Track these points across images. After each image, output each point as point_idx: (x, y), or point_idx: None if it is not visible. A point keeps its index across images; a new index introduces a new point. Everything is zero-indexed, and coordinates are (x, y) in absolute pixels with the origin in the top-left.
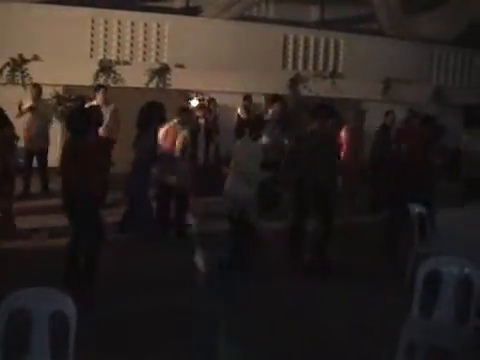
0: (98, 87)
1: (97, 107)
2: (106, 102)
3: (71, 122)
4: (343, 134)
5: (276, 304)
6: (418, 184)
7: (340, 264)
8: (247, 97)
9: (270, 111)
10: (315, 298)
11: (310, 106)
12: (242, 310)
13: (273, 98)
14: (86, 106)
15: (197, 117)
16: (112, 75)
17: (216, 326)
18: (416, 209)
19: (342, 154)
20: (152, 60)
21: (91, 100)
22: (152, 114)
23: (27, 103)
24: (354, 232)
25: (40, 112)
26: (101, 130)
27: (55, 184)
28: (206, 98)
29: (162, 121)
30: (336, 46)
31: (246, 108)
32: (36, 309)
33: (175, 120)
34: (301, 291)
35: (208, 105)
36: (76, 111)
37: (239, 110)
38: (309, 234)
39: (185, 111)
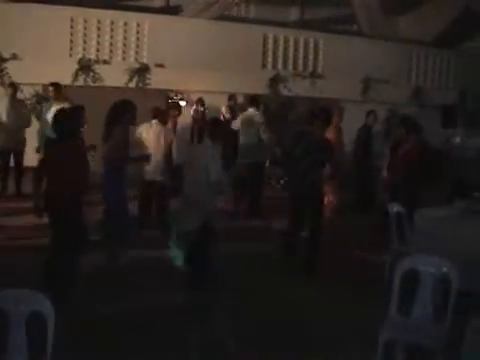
0: (51, 84)
1: (80, 108)
2: (61, 99)
3: (57, 123)
4: (329, 134)
5: (256, 304)
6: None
7: (321, 262)
8: (231, 97)
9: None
10: (296, 297)
11: (288, 106)
12: (224, 307)
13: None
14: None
15: (173, 116)
16: (91, 74)
17: (200, 325)
18: (394, 208)
19: None
20: (132, 59)
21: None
22: (123, 112)
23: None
24: (335, 230)
25: (17, 112)
26: None
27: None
28: (179, 97)
29: (133, 120)
30: (316, 46)
31: (231, 108)
32: (14, 310)
33: (153, 121)
34: (282, 288)
35: (197, 105)
36: (61, 112)
37: (223, 110)
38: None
39: (161, 111)
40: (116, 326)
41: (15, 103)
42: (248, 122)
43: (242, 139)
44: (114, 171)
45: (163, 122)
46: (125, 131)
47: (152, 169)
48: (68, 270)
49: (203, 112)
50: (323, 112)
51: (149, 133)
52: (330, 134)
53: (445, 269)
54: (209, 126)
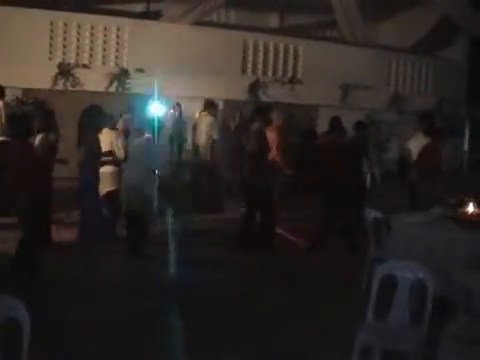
0: None
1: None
2: None
3: (12, 126)
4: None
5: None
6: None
7: (296, 267)
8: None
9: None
10: (272, 301)
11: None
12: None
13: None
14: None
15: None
16: (71, 79)
17: (173, 329)
18: (372, 214)
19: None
20: (112, 64)
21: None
22: (93, 118)
23: None
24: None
25: None
26: None
27: None
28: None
29: (102, 124)
30: (295, 52)
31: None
32: None
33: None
34: (259, 292)
35: (173, 109)
36: (17, 115)
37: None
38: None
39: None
40: (87, 332)
41: None
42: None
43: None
44: (89, 176)
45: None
46: (96, 136)
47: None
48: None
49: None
50: (262, 109)
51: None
52: (269, 132)
53: (421, 275)
54: None
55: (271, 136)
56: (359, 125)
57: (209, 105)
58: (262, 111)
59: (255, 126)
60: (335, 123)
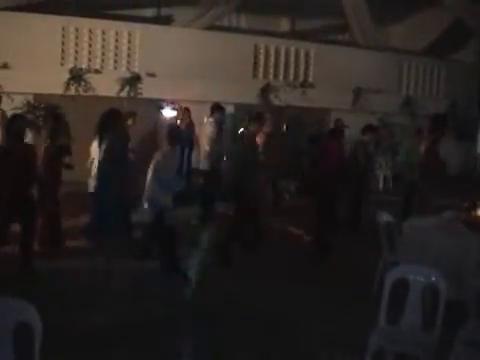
0: None
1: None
2: None
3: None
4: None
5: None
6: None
7: (309, 271)
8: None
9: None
10: (284, 303)
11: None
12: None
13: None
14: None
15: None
16: (83, 84)
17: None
18: (384, 218)
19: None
20: (123, 69)
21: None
22: (112, 121)
23: None
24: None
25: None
26: None
27: None
28: (170, 106)
29: (122, 127)
30: (306, 56)
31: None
32: (0, 321)
33: None
34: (273, 294)
35: (182, 114)
36: (18, 116)
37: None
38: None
39: None
40: (100, 336)
41: None
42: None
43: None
44: (109, 177)
45: None
46: (118, 137)
47: None
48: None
49: (188, 121)
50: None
51: None
52: (259, 138)
53: (433, 278)
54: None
55: (260, 140)
56: (368, 129)
57: (215, 109)
58: (258, 117)
59: (249, 131)
60: (337, 124)
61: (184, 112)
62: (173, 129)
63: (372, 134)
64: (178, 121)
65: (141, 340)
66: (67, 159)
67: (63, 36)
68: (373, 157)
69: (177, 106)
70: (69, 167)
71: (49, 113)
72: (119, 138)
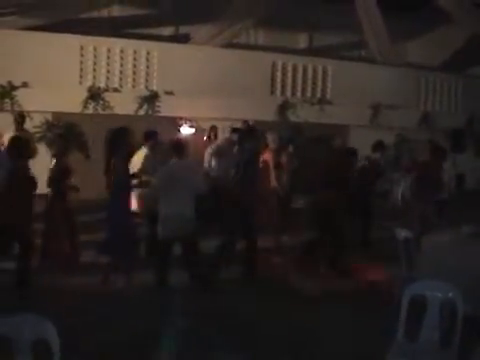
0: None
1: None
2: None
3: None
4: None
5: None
6: None
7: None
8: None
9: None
10: (305, 319)
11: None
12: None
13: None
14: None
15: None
16: (101, 102)
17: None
18: (402, 233)
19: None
20: (141, 87)
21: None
22: (121, 140)
23: (6, 134)
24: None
25: None
26: None
27: None
28: (189, 124)
29: (131, 146)
30: (324, 72)
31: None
32: (18, 337)
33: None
34: (290, 311)
35: (209, 132)
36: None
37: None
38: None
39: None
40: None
41: (21, 133)
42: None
43: None
44: (120, 197)
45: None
46: (123, 162)
47: None
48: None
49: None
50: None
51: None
52: (265, 155)
53: (451, 294)
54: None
55: (267, 158)
56: (378, 146)
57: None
58: (250, 133)
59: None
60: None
61: (210, 130)
62: (179, 142)
63: (382, 151)
64: (205, 138)
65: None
66: (72, 181)
67: (81, 55)
68: (384, 174)
69: (195, 124)
70: (74, 189)
71: (67, 131)
72: (124, 157)
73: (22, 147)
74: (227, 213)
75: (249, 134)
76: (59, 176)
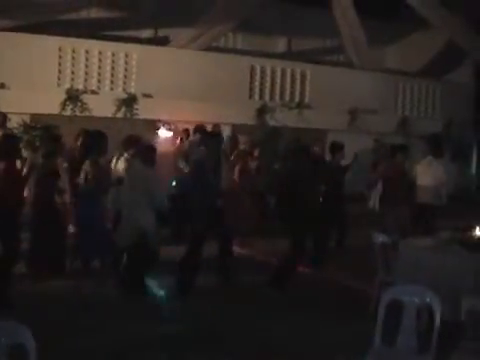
0: None
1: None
2: None
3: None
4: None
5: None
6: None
7: (306, 293)
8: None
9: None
10: (283, 326)
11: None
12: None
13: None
14: None
15: None
16: (79, 104)
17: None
18: (380, 238)
19: None
20: (120, 90)
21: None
22: (94, 143)
23: None
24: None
25: None
26: None
27: None
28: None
29: (104, 151)
30: (303, 77)
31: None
32: None
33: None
34: (269, 318)
35: (183, 135)
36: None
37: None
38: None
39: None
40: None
41: (5, 131)
42: None
43: None
44: (92, 201)
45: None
46: (94, 165)
47: None
48: None
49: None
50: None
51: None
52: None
53: (428, 299)
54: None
55: (236, 161)
56: (334, 147)
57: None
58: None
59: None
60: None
61: (183, 132)
62: (148, 148)
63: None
64: (177, 141)
65: None
66: (60, 183)
67: (60, 57)
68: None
69: (173, 127)
70: (60, 192)
71: (45, 133)
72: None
73: (11, 146)
74: (195, 215)
75: (211, 135)
76: (46, 178)
